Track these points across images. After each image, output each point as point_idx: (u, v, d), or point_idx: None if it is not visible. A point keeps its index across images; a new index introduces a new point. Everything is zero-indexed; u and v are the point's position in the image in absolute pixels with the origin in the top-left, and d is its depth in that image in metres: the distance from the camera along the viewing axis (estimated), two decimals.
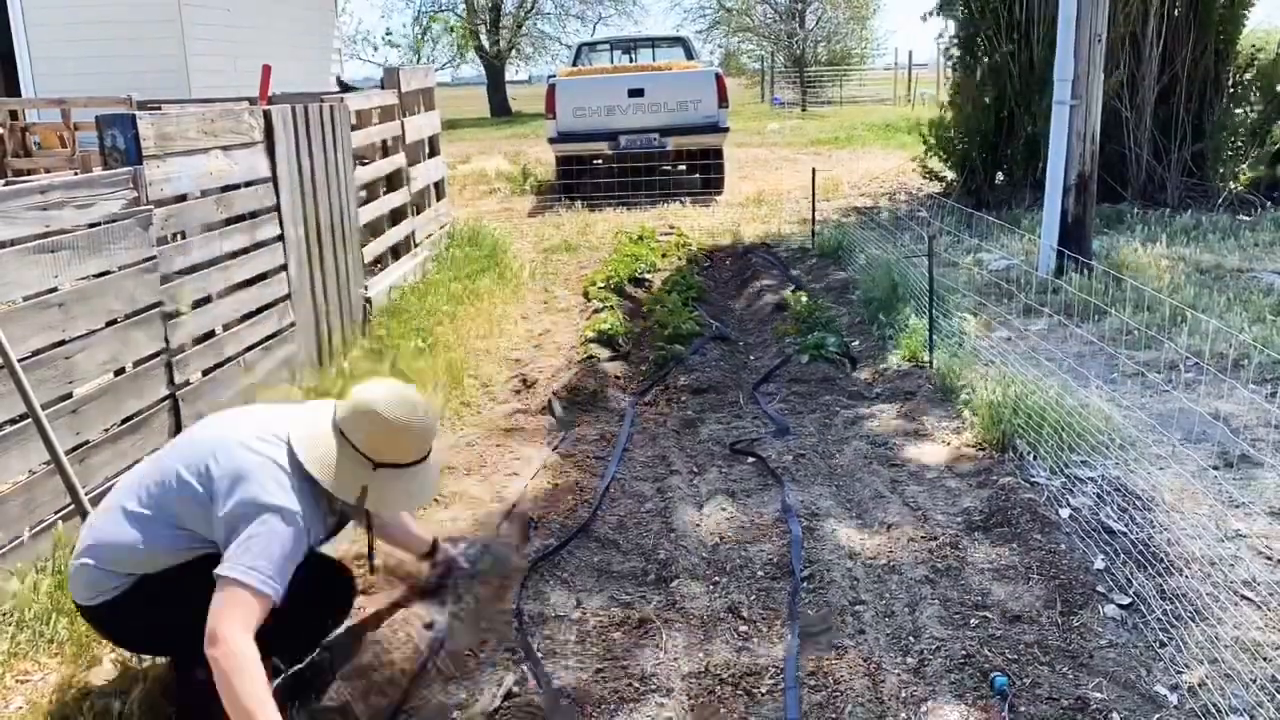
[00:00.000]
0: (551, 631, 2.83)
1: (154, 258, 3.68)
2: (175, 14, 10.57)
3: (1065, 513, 3.36)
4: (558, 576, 3.14)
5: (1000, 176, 9.69)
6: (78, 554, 2.33)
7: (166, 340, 3.73)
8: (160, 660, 2.66)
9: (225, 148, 4.26)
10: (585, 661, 2.69)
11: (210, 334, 4.14)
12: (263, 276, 4.57)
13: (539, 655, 2.70)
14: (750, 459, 4.03)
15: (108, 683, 2.58)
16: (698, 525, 3.47)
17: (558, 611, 2.93)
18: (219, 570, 2.13)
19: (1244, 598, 2.81)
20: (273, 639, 2.16)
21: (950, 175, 10.05)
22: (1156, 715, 2.38)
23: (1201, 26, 8.59)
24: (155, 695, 2.53)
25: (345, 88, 13.05)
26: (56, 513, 3.10)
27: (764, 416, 4.49)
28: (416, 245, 7.32)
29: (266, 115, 4.67)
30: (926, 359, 4.92)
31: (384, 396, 2.39)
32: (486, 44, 33.84)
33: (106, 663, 2.66)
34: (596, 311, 6.19)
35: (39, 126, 8.99)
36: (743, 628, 2.83)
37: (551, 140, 11.68)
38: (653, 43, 16.08)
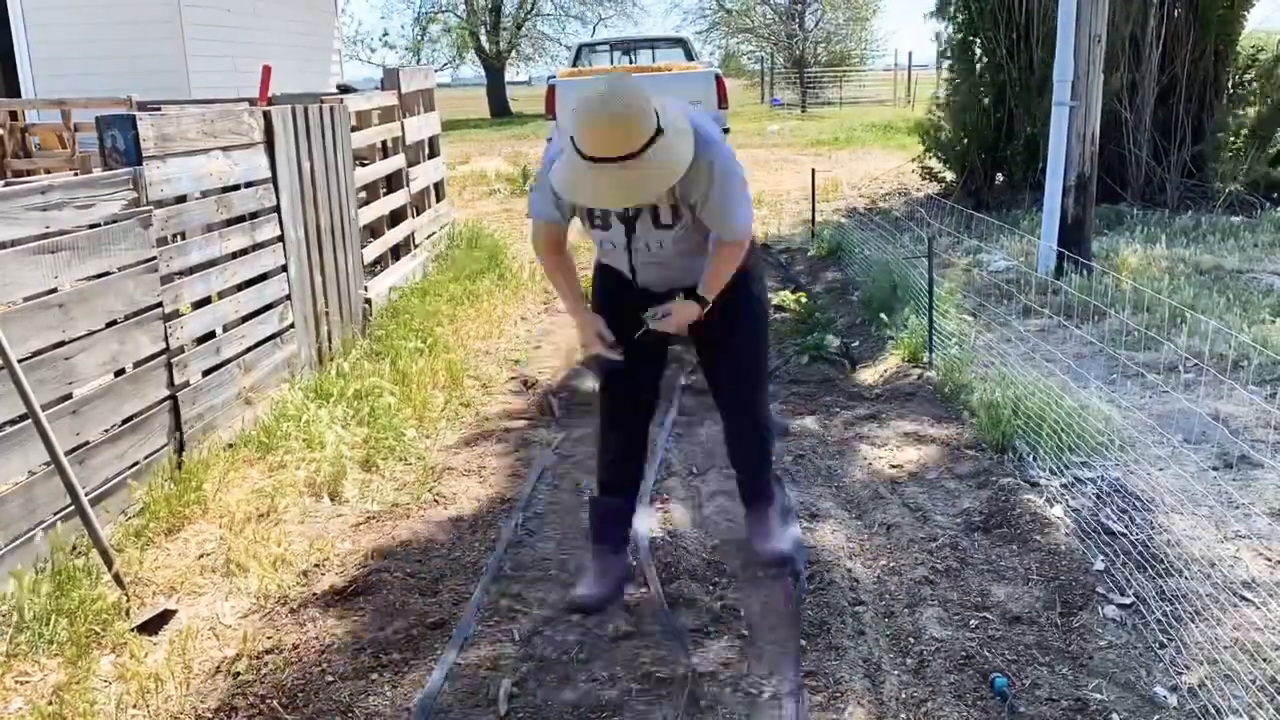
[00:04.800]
0: (553, 632, 2.83)
1: (154, 258, 3.68)
2: (175, 14, 10.56)
3: (1065, 513, 3.36)
4: (557, 577, 3.14)
5: (1000, 177, 9.69)
6: None
7: (166, 340, 3.73)
8: (158, 658, 2.66)
9: (225, 148, 4.26)
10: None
11: (210, 334, 4.14)
12: (263, 277, 4.57)
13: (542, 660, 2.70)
14: None
15: (107, 684, 2.58)
16: (698, 526, 3.47)
17: (558, 612, 2.93)
18: None
19: (1243, 599, 2.81)
20: None
21: (950, 176, 10.05)
22: (1156, 716, 2.38)
23: (1201, 27, 8.59)
24: (153, 694, 2.54)
25: (345, 90, 13.04)
26: (56, 513, 3.10)
27: None
28: (416, 246, 7.31)
29: (266, 116, 4.67)
30: (926, 360, 4.93)
31: (594, 85, 2.45)
32: (486, 45, 33.83)
33: (106, 664, 2.66)
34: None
35: (39, 127, 8.97)
36: (743, 629, 2.83)
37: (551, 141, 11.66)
38: (653, 44, 16.06)
